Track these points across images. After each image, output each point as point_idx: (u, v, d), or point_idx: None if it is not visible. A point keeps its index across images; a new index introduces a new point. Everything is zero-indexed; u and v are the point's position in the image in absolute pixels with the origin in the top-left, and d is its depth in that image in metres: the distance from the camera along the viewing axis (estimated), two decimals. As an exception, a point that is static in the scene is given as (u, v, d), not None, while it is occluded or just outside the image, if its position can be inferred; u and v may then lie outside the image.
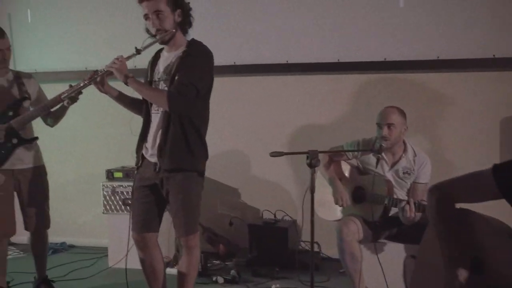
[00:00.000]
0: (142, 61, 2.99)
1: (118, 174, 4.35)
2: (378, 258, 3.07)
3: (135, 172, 2.95)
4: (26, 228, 3.51)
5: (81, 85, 2.86)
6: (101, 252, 4.59)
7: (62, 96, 3.04)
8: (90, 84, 2.84)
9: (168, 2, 2.72)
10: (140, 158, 2.89)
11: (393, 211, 3.21)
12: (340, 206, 3.29)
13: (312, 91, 4.41)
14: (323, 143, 4.15)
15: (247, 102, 4.53)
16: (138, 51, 2.76)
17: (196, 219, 2.84)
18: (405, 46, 4.08)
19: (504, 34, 3.92)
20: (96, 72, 2.81)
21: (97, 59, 4.62)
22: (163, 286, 2.98)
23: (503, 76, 3.99)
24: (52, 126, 3.51)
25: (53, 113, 3.40)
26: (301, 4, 4.29)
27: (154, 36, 2.79)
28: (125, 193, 4.24)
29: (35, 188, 3.45)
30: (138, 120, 2.95)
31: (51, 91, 3.43)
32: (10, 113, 3.32)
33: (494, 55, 3.92)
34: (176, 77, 2.72)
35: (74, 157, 4.98)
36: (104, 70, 2.77)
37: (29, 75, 3.58)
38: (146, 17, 2.75)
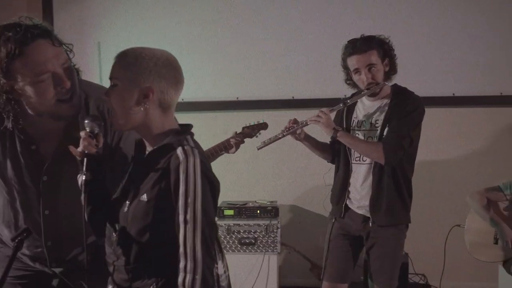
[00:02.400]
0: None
1: (229, 212, 4.19)
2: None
3: (332, 220, 2.90)
4: None
5: (280, 136, 2.76)
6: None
7: (258, 147, 2.87)
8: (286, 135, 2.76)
9: (379, 54, 2.67)
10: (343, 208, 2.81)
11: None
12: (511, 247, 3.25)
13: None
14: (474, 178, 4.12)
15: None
16: (345, 104, 2.73)
17: (398, 272, 2.82)
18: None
19: None
20: (296, 122, 2.77)
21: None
22: None
23: None
24: None
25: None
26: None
27: (360, 89, 2.75)
28: (241, 232, 4.09)
29: None
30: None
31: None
32: None
33: None
34: (387, 128, 2.65)
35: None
36: (306, 123, 2.73)
37: None
38: (356, 71, 2.68)
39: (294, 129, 2.73)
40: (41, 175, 1.72)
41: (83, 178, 1.54)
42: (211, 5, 4.45)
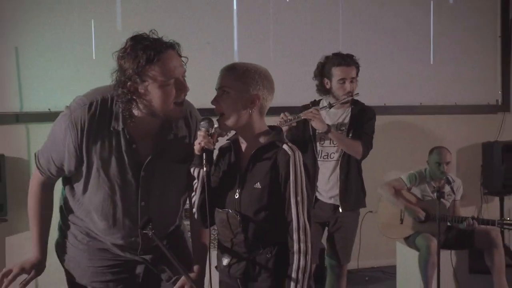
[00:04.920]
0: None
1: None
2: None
3: None
4: None
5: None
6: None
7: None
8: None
9: (356, 70, 3.10)
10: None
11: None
12: (422, 220, 3.79)
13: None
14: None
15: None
16: (331, 106, 3.09)
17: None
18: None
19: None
20: (290, 118, 2.97)
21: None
22: None
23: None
24: None
25: None
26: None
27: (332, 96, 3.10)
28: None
29: None
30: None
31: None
32: None
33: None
34: (352, 130, 3.10)
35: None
36: (299, 117, 2.99)
37: None
38: (342, 80, 3.04)
39: (291, 122, 2.98)
40: (140, 171, 1.92)
41: (205, 170, 1.82)
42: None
